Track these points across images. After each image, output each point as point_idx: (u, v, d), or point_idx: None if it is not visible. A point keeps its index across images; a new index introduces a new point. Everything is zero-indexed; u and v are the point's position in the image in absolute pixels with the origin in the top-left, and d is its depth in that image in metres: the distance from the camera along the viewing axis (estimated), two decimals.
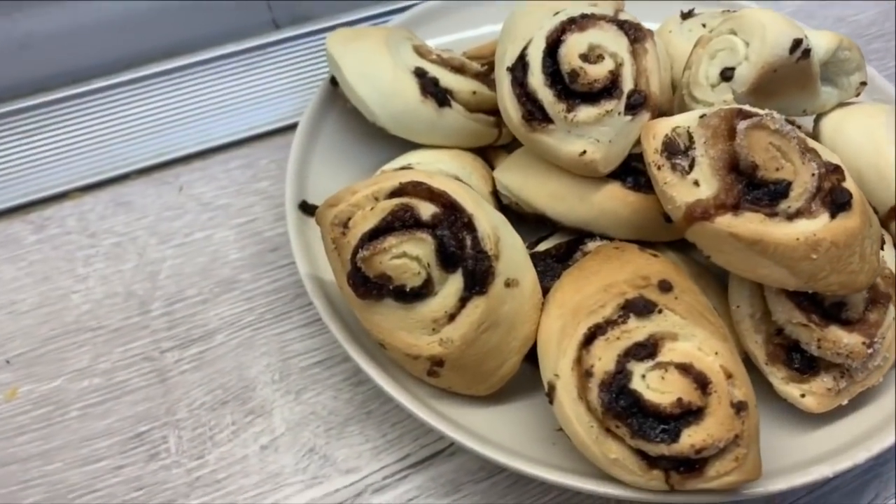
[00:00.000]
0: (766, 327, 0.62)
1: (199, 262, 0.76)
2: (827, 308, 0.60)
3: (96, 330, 0.71)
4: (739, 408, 0.53)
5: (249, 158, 0.84)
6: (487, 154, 0.76)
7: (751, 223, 0.55)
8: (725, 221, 0.55)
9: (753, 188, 0.56)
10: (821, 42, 0.66)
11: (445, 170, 0.70)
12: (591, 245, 0.64)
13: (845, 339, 0.58)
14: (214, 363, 0.69)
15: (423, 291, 0.57)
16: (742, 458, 0.52)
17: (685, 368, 0.53)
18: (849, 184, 0.57)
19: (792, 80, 0.65)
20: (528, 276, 0.60)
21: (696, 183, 0.57)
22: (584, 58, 0.61)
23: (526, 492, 0.63)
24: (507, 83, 0.64)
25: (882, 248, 0.60)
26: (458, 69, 0.74)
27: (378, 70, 0.71)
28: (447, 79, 0.72)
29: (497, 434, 0.59)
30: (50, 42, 0.80)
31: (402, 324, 0.58)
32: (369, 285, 0.57)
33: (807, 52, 0.63)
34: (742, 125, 0.57)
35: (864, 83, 0.70)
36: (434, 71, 0.72)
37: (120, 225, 0.78)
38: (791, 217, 0.56)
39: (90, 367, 0.68)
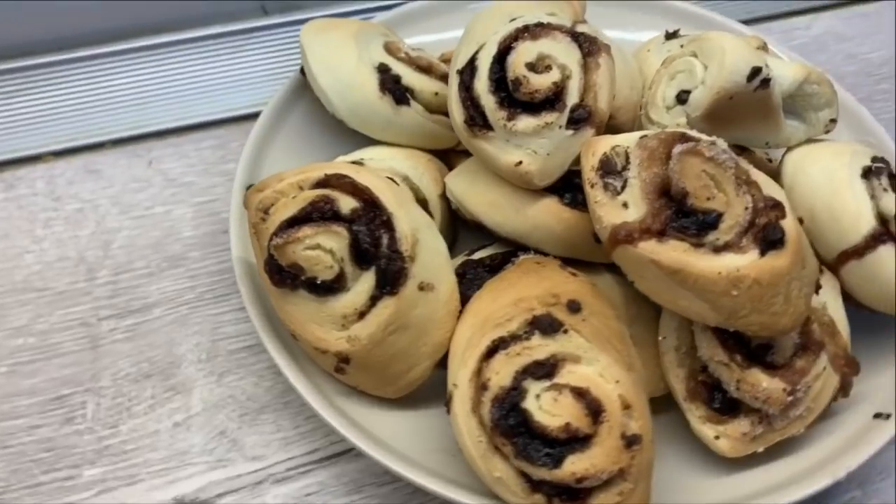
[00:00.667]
0: (691, 363, 0.59)
1: (153, 235, 0.76)
2: (753, 349, 0.57)
3: (41, 291, 0.72)
4: (632, 441, 0.51)
5: (222, 140, 0.84)
6: (450, 158, 0.75)
7: (674, 251, 0.53)
8: (648, 247, 0.53)
9: (682, 216, 0.54)
10: (786, 73, 0.63)
11: (397, 168, 0.70)
12: (523, 258, 0.63)
13: (765, 383, 0.56)
14: (147, 336, 0.70)
15: (336, 286, 0.57)
16: (627, 493, 0.50)
17: (580, 393, 0.51)
18: (787, 222, 0.54)
19: (750, 109, 0.62)
20: (445, 282, 0.59)
21: (626, 205, 0.55)
22: (531, 67, 0.60)
23: (428, 500, 0.62)
24: (455, 86, 0.63)
25: (816, 293, 0.58)
26: (425, 69, 0.73)
27: (341, 61, 0.71)
28: (410, 77, 0.72)
29: (398, 440, 0.58)
30: (41, 7, 0.82)
31: (313, 316, 0.58)
32: (283, 274, 0.57)
33: (766, 82, 0.60)
34: (677, 150, 0.55)
35: (833, 120, 0.67)
36: (398, 68, 0.72)
37: (86, 192, 0.80)
38: (718, 250, 0.53)
39: (27, 326, 0.70)
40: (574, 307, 0.54)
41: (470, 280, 0.63)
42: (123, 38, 0.85)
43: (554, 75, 0.60)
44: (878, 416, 0.59)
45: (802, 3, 1.02)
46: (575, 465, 0.49)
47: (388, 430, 0.59)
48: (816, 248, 0.63)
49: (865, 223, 0.59)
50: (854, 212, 0.60)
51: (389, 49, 0.74)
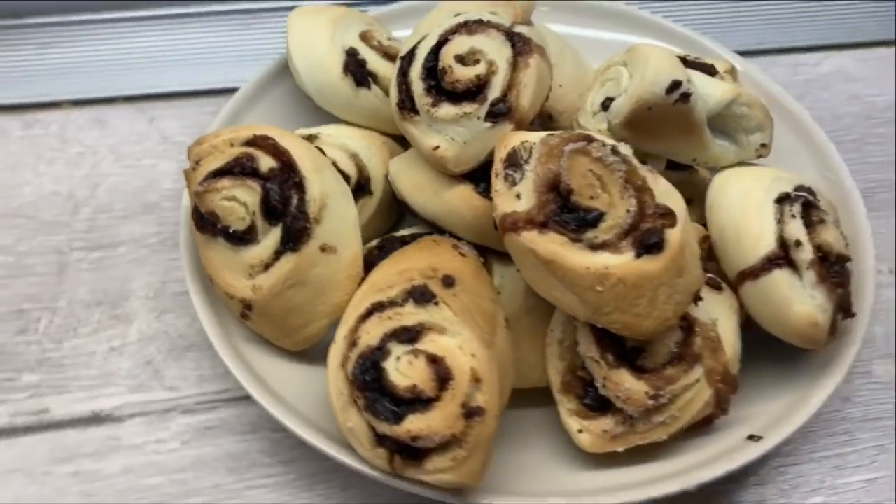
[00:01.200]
0: (572, 357, 0.61)
1: (136, 183, 0.84)
2: (626, 350, 0.59)
3: (30, 218, 0.81)
4: (473, 412, 0.53)
5: (221, 107, 0.91)
6: None
7: (551, 243, 0.55)
8: (529, 237, 0.56)
9: (566, 211, 0.56)
10: (714, 92, 0.64)
11: (350, 145, 0.74)
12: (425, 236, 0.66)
13: (628, 383, 0.57)
14: (107, 270, 0.77)
15: (247, 237, 0.62)
16: (461, 460, 0.53)
17: (435, 360, 0.54)
18: (674, 232, 0.56)
19: (672, 123, 0.63)
20: (350, 248, 0.63)
21: (519, 196, 0.58)
22: (461, 59, 0.63)
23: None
24: (396, 71, 0.67)
25: (695, 304, 0.58)
26: (393, 57, 0.78)
27: (315, 42, 0.76)
28: (376, 64, 0.76)
29: (286, 389, 0.62)
30: None
31: (226, 263, 0.63)
32: (204, 220, 0.62)
33: (686, 96, 0.61)
34: (568, 148, 0.57)
35: (764, 145, 0.67)
36: (366, 54, 0.76)
37: (90, 139, 0.88)
38: (595, 247, 0.55)
39: (9, 247, 0.78)
40: (448, 282, 0.57)
41: (386, 253, 0.66)
42: (146, 6, 0.94)
43: (479, 69, 0.63)
44: (751, 437, 0.59)
45: (817, 40, 1.01)
46: (412, 424, 0.52)
47: (283, 380, 0.63)
48: (723, 266, 0.63)
49: (765, 245, 0.60)
50: (756, 233, 0.60)
51: (364, 36, 0.79)
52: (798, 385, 0.63)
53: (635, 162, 0.58)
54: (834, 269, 0.60)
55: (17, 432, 0.67)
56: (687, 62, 0.73)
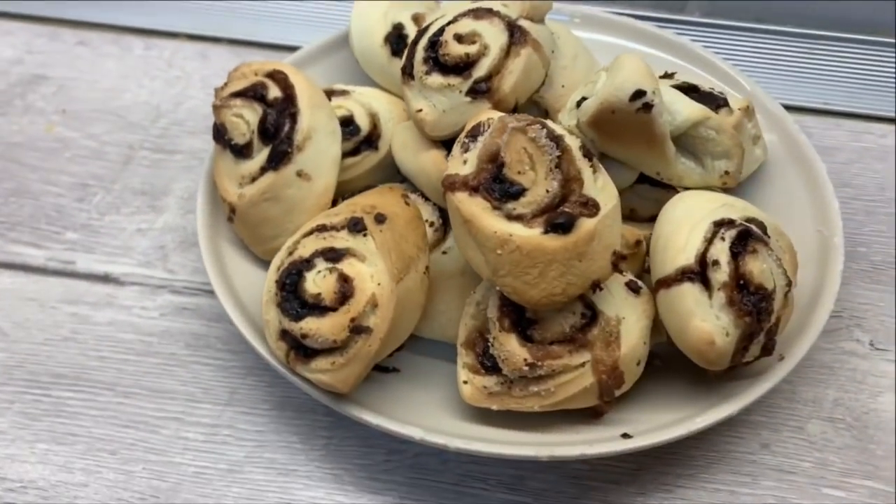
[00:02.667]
0: (483, 319, 0.66)
1: (209, 110, 0.97)
2: (524, 320, 0.63)
3: (121, 117, 0.96)
4: (360, 329, 0.60)
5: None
6: None
7: (474, 206, 0.61)
8: (459, 196, 0.62)
9: (497, 182, 0.62)
10: (682, 110, 0.67)
11: (374, 105, 0.82)
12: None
13: (510, 346, 0.61)
14: (161, 170, 0.91)
15: (245, 152, 0.73)
16: (338, 366, 0.60)
17: (345, 279, 0.61)
18: (590, 222, 0.60)
19: (635, 130, 0.66)
20: (324, 178, 0.72)
21: (466, 162, 0.64)
22: (459, 38, 0.70)
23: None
24: (412, 40, 0.75)
25: (593, 292, 0.61)
26: None
27: (371, 12, 0.86)
28: None
29: (246, 289, 0.71)
30: None
31: (227, 172, 0.74)
32: (219, 132, 0.74)
33: (648, 106, 0.65)
34: (512, 125, 0.62)
35: (728, 173, 0.68)
36: (410, 31, 0.85)
37: (190, 67, 1.03)
38: (511, 218, 0.60)
39: (97, 135, 0.94)
40: (380, 219, 0.64)
41: None
42: None
43: (471, 48, 0.70)
44: (624, 435, 0.61)
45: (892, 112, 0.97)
46: (306, 324, 0.60)
47: (247, 281, 0.72)
48: (652, 273, 0.66)
49: (683, 258, 0.62)
50: (680, 246, 0.62)
51: (416, 17, 0.87)
52: (697, 405, 0.63)
53: (575, 153, 0.62)
54: (749, 298, 0.60)
55: (46, 272, 0.81)
56: (698, 90, 0.76)
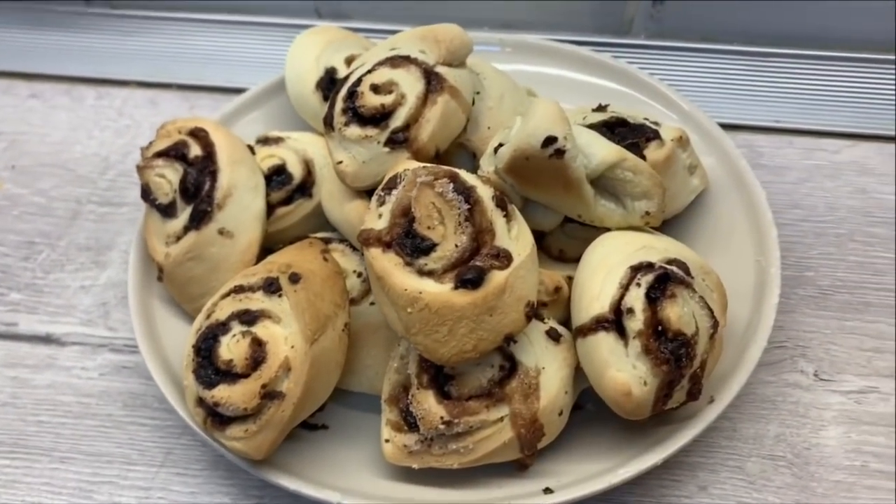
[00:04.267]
0: (406, 374, 0.65)
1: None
2: (443, 375, 0.62)
3: (70, 171, 0.97)
4: (272, 395, 0.60)
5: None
6: None
7: (387, 262, 0.61)
8: (374, 252, 0.62)
9: (409, 237, 0.61)
10: (598, 152, 0.65)
11: (308, 151, 0.82)
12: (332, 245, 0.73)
13: (426, 404, 0.61)
14: (107, 223, 0.91)
15: (170, 211, 0.73)
16: (251, 433, 0.60)
17: (259, 343, 0.61)
18: (500, 274, 0.59)
19: (550, 175, 0.65)
20: (247, 235, 0.72)
21: (381, 216, 0.63)
22: (376, 88, 0.70)
23: None
24: (333, 90, 0.75)
25: (507, 345, 0.61)
26: None
27: (304, 57, 0.86)
28: None
29: (175, 348, 0.71)
30: None
31: (156, 230, 0.74)
32: (144, 192, 0.74)
33: (560, 152, 0.63)
34: (420, 179, 0.62)
35: (649, 213, 0.67)
36: (343, 75, 0.85)
37: (140, 115, 1.04)
38: (423, 273, 0.60)
39: (45, 190, 0.95)
40: (294, 278, 0.64)
41: None
42: (205, 8, 1.08)
43: (387, 98, 0.69)
44: (546, 490, 0.60)
45: (844, 127, 0.95)
46: (218, 392, 0.60)
47: (176, 340, 0.72)
48: (572, 320, 0.65)
49: (598, 307, 0.61)
50: (595, 294, 0.61)
51: (349, 60, 0.87)
52: (624, 454, 0.62)
53: (487, 204, 0.62)
54: (667, 345, 0.59)
55: None
56: (627, 123, 0.75)
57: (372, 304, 0.71)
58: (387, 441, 0.63)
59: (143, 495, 0.70)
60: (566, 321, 0.67)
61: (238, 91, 1.04)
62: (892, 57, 0.97)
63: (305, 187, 0.80)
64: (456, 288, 0.58)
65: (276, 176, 0.78)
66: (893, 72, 0.97)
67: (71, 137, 1.02)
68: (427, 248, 0.60)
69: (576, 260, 0.71)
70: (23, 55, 1.10)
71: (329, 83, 0.84)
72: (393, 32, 1.01)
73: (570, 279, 0.69)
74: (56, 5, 1.10)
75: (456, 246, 0.60)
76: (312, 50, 0.86)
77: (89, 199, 0.94)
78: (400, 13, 1.07)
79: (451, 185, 0.61)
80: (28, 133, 1.02)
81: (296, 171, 0.80)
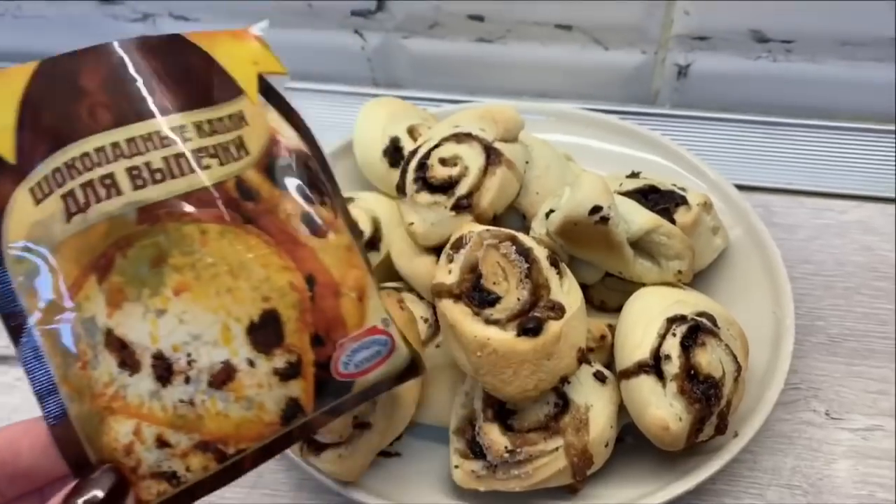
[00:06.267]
0: (472, 408, 0.76)
1: None
2: (505, 410, 0.72)
3: None
4: (363, 426, 0.70)
5: None
6: None
7: (458, 312, 0.71)
8: (446, 304, 0.72)
9: (477, 290, 0.72)
10: (637, 219, 0.76)
11: (375, 210, 0.93)
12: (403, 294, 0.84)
13: (492, 435, 0.71)
14: None
15: None
16: (344, 458, 0.70)
17: None
18: (556, 324, 0.69)
19: (595, 238, 0.76)
20: None
21: (451, 271, 0.74)
22: (443, 161, 0.81)
23: None
24: (403, 161, 0.86)
25: (561, 386, 0.71)
26: None
27: (371, 128, 0.98)
28: None
29: None
30: None
31: None
32: None
33: (605, 219, 0.74)
34: (486, 242, 0.73)
35: (681, 272, 0.77)
36: (406, 143, 0.96)
37: None
38: (489, 322, 0.70)
39: None
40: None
41: None
42: None
43: (454, 171, 0.81)
44: None
45: (851, 189, 1.06)
46: None
47: None
48: (616, 364, 0.75)
49: (640, 353, 0.71)
50: (637, 342, 0.72)
51: (411, 129, 0.99)
52: (660, 480, 0.72)
53: (543, 263, 0.72)
54: (699, 386, 0.69)
55: None
56: (658, 190, 0.86)
57: (437, 346, 0.82)
58: (456, 467, 0.73)
59: None
60: (609, 364, 0.78)
61: None
62: (893, 127, 1.08)
63: (374, 242, 0.91)
64: (518, 335, 0.69)
65: None
66: (894, 140, 1.08)
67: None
68: (493, 300, 0.71)
69: (615, 309, 0.81)
70: None
71: (394, 151, 0.95)
72: (439, 100, 1.15)
73: (610, 327, 0.79)
74: None
75: (518, 299, 0.70)
76: (378, 121, 0.98)
77: None
78: (446, 81, 1.19)
79: (514, 247, 0.72)
80: None
81: (366, 227, 0.91)
